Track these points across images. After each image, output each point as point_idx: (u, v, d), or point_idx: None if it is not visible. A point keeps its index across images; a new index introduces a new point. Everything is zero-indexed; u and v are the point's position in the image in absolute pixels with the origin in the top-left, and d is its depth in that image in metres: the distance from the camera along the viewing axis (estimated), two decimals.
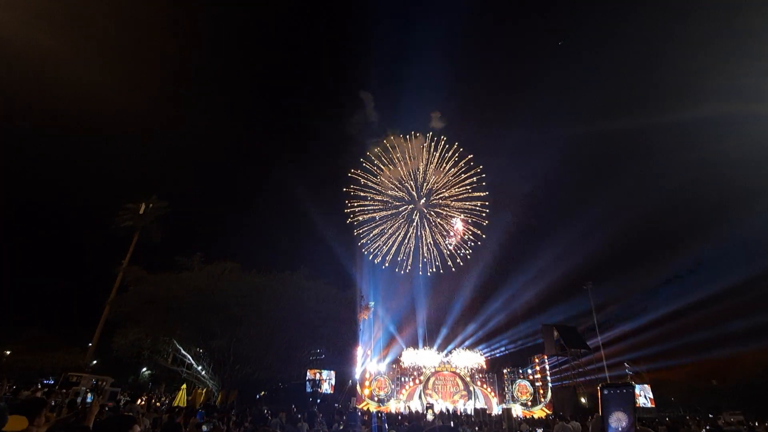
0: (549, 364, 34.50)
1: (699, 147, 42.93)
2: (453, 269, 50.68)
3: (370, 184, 52.22)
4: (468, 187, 51.85)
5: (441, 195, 52.98)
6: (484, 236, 50.62)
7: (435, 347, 37.37)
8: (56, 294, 39.22)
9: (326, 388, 32.79)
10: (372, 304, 38.08)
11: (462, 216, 51.94)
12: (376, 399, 31.02)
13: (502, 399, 33.54)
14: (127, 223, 32.45)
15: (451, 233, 52.34)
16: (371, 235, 51.45)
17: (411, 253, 51.67)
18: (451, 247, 52.18)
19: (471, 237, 51.44)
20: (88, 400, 17.74)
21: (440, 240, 52.76)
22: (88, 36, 36.93)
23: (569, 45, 51.26)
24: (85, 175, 46.18)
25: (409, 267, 51.18)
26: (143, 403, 21.12)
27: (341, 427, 13.69)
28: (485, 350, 37.41)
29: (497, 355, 38.56)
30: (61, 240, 44.27)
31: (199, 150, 58.24)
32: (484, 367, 34.56)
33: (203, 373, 23.76)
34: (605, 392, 4.57)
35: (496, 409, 31.30)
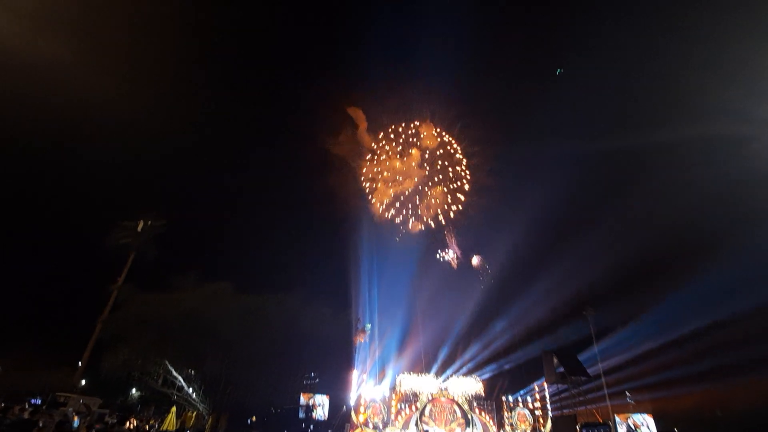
0: (549, 392, 33.73)
1: (701, 168, 42.40)
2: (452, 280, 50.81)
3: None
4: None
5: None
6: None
7: (432, 372, 36.61)
8: (47, 311, 38.63)
9: (320, 413, 32.00)
10: (368, 326, 37.57)
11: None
12: (371, 426, 30.16)
13: (501, 427, 32.63)
14: (125, 240, 32.37)
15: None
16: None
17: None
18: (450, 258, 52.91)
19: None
20: (75, 424, 17.34)
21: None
22: (90, 44, 36.81)
23: (569, 66, 51.63)
24: (79, 189, 45.50)
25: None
26: (132, 426, 20.59)
27: None
28: (485, 376, 36.59)
29: (496, 382, 37.72)
30: (53, 255, 43.55)
31: (195, 165, 57.69)
32: (483, 394, 33.77)
33: (194, 395, 23.25)
34: (584, 431, 4.55)
35: None
